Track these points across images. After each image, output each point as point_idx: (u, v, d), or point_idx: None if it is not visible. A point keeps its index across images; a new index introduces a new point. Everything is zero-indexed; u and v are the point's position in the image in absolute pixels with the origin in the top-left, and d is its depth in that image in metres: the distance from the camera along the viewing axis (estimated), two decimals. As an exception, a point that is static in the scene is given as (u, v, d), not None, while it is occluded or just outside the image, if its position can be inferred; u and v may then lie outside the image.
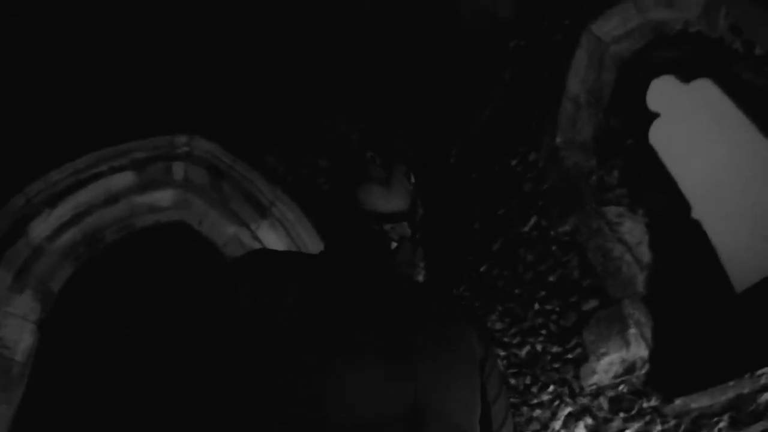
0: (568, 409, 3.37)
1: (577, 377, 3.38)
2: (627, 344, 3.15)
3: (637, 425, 2.98)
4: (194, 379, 0.84)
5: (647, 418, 2.94)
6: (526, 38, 3.98)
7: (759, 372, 2.49)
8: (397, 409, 0.83)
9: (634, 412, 3.03)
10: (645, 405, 2.98)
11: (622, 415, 3.08)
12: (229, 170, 4.22)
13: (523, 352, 3.80)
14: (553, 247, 3.78)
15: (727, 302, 2.98)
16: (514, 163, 4.19)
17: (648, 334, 3.13)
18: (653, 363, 3.03)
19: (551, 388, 3.51)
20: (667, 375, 2.94)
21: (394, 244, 1.03)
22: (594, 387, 3.26)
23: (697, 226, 3.24)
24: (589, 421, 3.24)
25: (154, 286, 3.87)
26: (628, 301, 3.24)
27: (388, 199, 1.04)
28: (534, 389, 3.61)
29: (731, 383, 2.59)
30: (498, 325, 3.91)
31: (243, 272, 0.94)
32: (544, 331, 3.71)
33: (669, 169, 3.42)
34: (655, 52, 3.30)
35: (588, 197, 3.59)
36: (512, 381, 3.73)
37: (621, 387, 3.13)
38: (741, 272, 2.94)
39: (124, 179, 3.92)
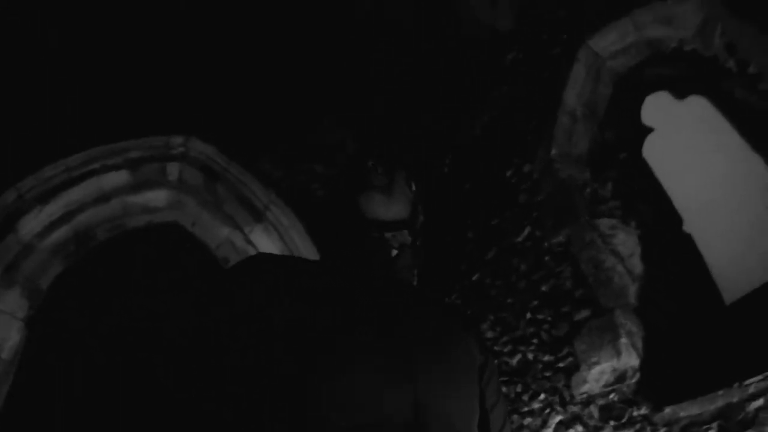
0: (559, 417, 3.43)
1: (568, 386, 3.45)
2: (618, 354, 3.23)
3: (627, 433, 3.05)
4: (190, 381, 0.84)
5: (637, 426, 3.01)
6: (523, 51, 4.08)
7: (747, 382, 2.57)
8: (397, 411, 0.84)
9: (624, 420, 3.10)
10: (635, 413, 3.05)
11: (612, 423, 3.15)
12: (224, 172, 4.24)
13: (515, 360, 3.85)
14: (547, 258, 3.86)
15: (716, 314, 3.07)
16: (508, 174, 4.27)
17: (639, 343, 3.21)
18: (644, 372, 3.11)
19: (542, 396, 3.57)
20: (658, 384, 3.02)
21: (394, 252, 1.04)
22: (585, 395, 3.32)
23: (688, 239, 3.33)
24: (580, 429, 3.30)
25: (145, 286, 3.86)
26: (619, 311, 3.33)
27: (388, 207, 1.05)
28: (525, 397, 3.67)
29: (720, 392, 2.67)
30: (490, 334, 3.97)
31: (239, 274, 0.96)
32: (535, 340, 3.77)
33: (661, 183, 3.52)
34: (651, 69, 3.41)
35: (582, 209, 3.68)
36: (503, 389, 3.78)
37: (612, 395, 3.20)
38: (730, 284, 3.05)
39: (118, 178, 3.91)
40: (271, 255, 1.02)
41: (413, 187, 1.12)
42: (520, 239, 4.11)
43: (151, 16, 3.79)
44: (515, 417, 3.61)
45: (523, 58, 4.09)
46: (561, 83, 3.80)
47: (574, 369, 3.45)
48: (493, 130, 4.41)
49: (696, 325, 3.08)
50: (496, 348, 3.94)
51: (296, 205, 4.40)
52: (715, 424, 2.65)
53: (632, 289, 3.38)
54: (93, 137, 3.75)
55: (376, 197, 1.05)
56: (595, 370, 3.32)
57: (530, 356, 3.76)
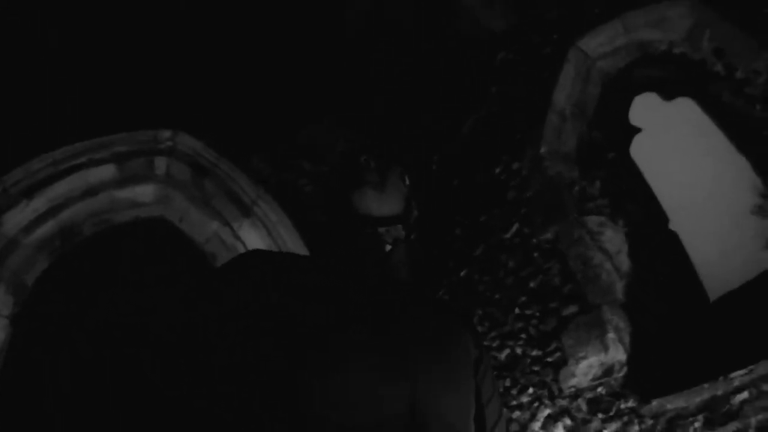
0: (548, 411, 3.52)
1: (556, 380, 3.53)
2: (606, 348, 3.33)
3: (615, 426, 3.15)
4: (178, 376, 0.84)
5: (625, 418, 3.12)
6: (514, 51, 4.14)
7: (732, 375, 2.68)
8: (394, 409, 0.84)
9: (612, 413, 3.20)
10: (623, 406, 3.15)
11: (600, 416, 3.25)
12: (212, 168, 4.21)
13: (503, 355, 3.93)
14: (535, 254, 3.94)
15: (701, 310, 3.19)
16: (497, 171, 4.33)
17: (626, 338, 3.31)
18: (631, 366, 3.21)
19: (531, 390, 3.66)
20: (645, 377, 3.12)
21: (388, 247, 1.04)
22: (573, 389, 3.41)
23: (674, 237, 3.44)
24: (568, 422, 3.40)
25: (132, 282, 3.82)
26: (607, 307, 3.42)
27: (381, 203, 1.05)
28: (514, 391, 3.75)
29: (706, 385, 2.78)
30: (478, 329, 4.04)
31: (228, 271, 0.95)
32: (523, 336, 3.85)
33: (648, 183, 3.62)
34: (640, 70, 3.50)
35: (570, 206, 3.76)
36: (494, 383, 3.85)
37: (599, 389, 3.30)
38: (715, 281, 3.17)
39: (105, 172, 3.86)
40: (262, 251, 1.01)
41: (407, 182, 1.12)
42: (508, 236, 4.18)
43: (142, 8, 3.73)
44: (504, 411, 3.68)
45: (514, 58, 4.15)
46: (551, 83, 3.87)
47: (562, 363, 3.54)
48: (482, 128, 4.47)
49: (681, 321, 3.19)
50: (484, 343, 4.01)
51: (284, 201, 4.40)
52: (700, 416, 2.76)
53: (619, 286, 3.48)
54: (80, 130, 3.69)
55: (368, 193, 1.05)
56: (583, 365, 3.41)
57: (518, 351, 3.84)
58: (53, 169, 3.59)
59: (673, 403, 2.91)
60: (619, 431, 3.12)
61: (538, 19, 3.86)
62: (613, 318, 3.37)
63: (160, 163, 4.07)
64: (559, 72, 3.80)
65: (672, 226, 3.52)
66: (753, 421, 2.54)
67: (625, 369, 3.22)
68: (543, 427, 3.50)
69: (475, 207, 4.44)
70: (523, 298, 3.93)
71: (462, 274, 4.44)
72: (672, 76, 3.34)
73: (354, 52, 4.06)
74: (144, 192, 4.06)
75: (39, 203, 3.56)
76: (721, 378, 2.73)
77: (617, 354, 3.27)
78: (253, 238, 4.31)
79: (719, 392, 2.72)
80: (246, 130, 4.29)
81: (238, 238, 4.28)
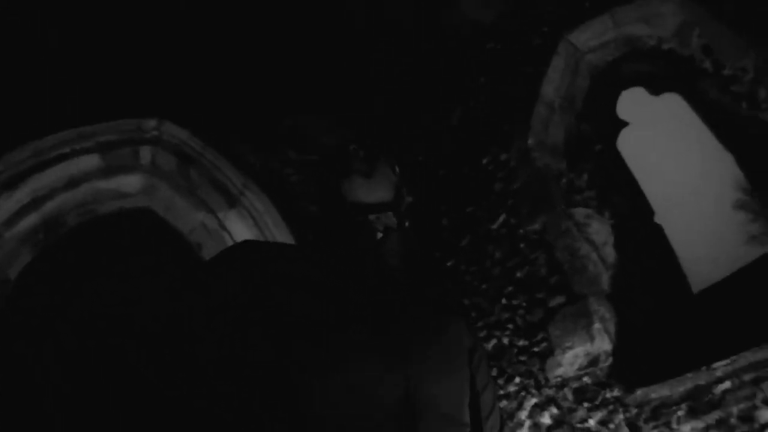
0: (534, 400, 3.60)
1: (542, 369, 3.61)
2: (592, 338, 3.40)
3: (600, 414, 3.24)
4: (163, 366, 0.84)
5: (610, 407, 3.21)
6: (503, 42, 4.14)
7: (715, 365, 2.78)
8: (390, 404, 0.86)
9: (597, 401, 3.28)
10: (608, 395, 3.24)
11: (586, 404, 3.33)
12: (198, 157, 4.15)
13: (490, 345, 3.99)
14: (522, 245, 3.99)
15: (684, 301, 3.27)
16: (485, 162, 4.35)
17: (612, 329, 3.39)
18: (616, 356, 3.29)
19: (517, 380, 3.73)
20: (630, 367, 3.21)
21: (379, 235, 1.04)
22: (559, 379, 3.49)
23: (659, 230, 3.51)
24: (554, 410, 3.48)
25: (117, 274, 3.77)
26: (593, 298, 3.50)
27: (371, 191, 1.05)
28: (500, 381, 3.82)
29: (689, 375, 2.87)
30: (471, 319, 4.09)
31: (216, 262, 0.95)
32: (510, 326, 3.91)
33: (635, 176, 3.68)
34: (628, 64, 3.54)
35: (558, 198, 3.81)
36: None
37: (585, 378, 3.38)
38: (698, 274, 3.26)
39: (89, 162, 3.77)
40: (252, 242, 1.02)
41: (396, 170, 1.12)
42: (495, 226, 4.22)
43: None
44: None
45: (503, 49, 4.15)
46: (540, 75, 3.89)
47: (548, 353, 3.61)
48: (470, 119, 4.47)
49: (665, 312, 3.28)
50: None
51: (271, 191, 4.37)
52: (684, 405, 2.85)
53: (605, 277, 3.56)
54: (63, 120, 3.59)
55: (357, 181, 1.05)
56: (569, 354, 3.49)
57: (505, 341, 3.91)
58: (36, 159, 3.50)
59: (657, 392, 3.00)
60: (605, 420, 3.21)
61: (528, 11, 3.85)
62: (599, 309, 3.44)
63: (145, 153, 3.99)
64: (549, 64, 3.81)
65: (657, 219, 3.58)
66: (735, 410, 2.64)
67: (610, 359, 3.30)
68: (529, 416, 3.59)
69: (462, 198, 4.46)
70: (510, 289, 3.99)
71: (449, 264, 4.48)
72: (660, 72, 3.38)
73: (354, 52, 4.02)
74: (128, 182, 3.98)
75: (21, 195, 3.47)
76: (704, 368, 2.82)
77: (603, 344, 3.35)
78: (239, 228, 4.27)
79: (702, 382, 2.82)
80: (232, 118, 4.24)
81: (224, 227, 4.24)
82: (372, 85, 4.24)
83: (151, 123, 3.98)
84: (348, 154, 1.09)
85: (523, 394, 3.68)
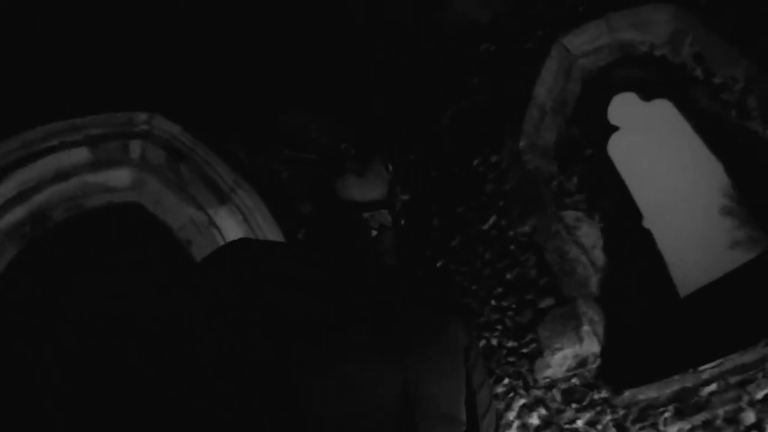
0: (523, 401, 3.63)
1: (531, 371, 3.64)
2: (580, 340, 3.45)
3: (588, 415, 3.28)
4: (173, 373, 0.84)
5: (598, 408, 3.25)
6: (497, 43, 4.17)
7: (702, 368, 2.83)
8: (390, 404, 0.87)
9: (585, 403, 3.32)
10: (596, 396, 3.28)
11: (574, 405, 3.37)
12: (189, 153, 4.11)
13: (479, 346, 4.02)
14: (512, 247, 4.02)
15: (672, 305, 3.33)
16: (476, 163, 4.37)
17: (600, 331, 3.44)
18: (604, 358, 3.34)
19: (506, 380, 3.76)
20: (618, 369, 3.26)
21: (374, 233, 1.04)
22: (548, 380, 3.53)
23: (647, 234, 3.57)
24: (543, 411, 3.52)
25: (105, 269, 3.73)
26: (582, 300, 3.54)
27: (364, 189, 1.06)
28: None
29: (676, 377, 2.92)
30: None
31: (213, 262, 0.95)
32: (499, 327, 3.94)
33: (624, 180, 3.73)
34: (620, 70, 3.59)
35: (548, 200, 3.85)
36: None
37: (573, 380, 3.42)
38: (685, 278, 3.32)
39: (77, 156, 3.72)
40: (248, 241, 1.02)
41: (390, 168, 1.13)
42: (485, 227, 4.24)
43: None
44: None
45: (497, 50, 4.18)
46: (532, 77, 3.92)
47: (537, 354, 3.65)
48: (462, 120, 4.50)
49: (653, 315, 3.33)
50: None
51: (262, 188, 4.35)
52: (671, 407, 2.90)
53: (594, 280, 3.60)
54: (52, 111, 3.54)
55: (350, 180, 1.06)
56: (558, 356, 3.53)
57: (494, 342, 3.94)
58: (24, 151, 3.45)
59: (645, 393, 3.05)
60: (593, 421, 3.25)
61: (522, 13, 3.89)
62: (588, 311, 3.49)
63: (135, 147, 3.95)
64: (542, 67, 3.85)
65: (646, 223, 3.64)
66: (721, 412, 2.69)
67: (598, 361, 3.35)
68: (518, 416, 3.62)
69: (453, 198, 4.48)
70: (500, 290, 4.02)
71: (439, 264, 4.50)
72: (652, 78, 3.43)
73: (354, 52, 4.02)
74: (117, 176, 3.94)
75: (8, 187, 3.42)
76: (690, 371, 2.87)
77: (592, 346, 3.39)
78: (230, 225, 4.25)
79: (689, 384, 2.87)
80: (225, 115, 4.21)
81: (213, 224, 4.21)
82: (372, 85, 4.24)
83: (142, 117, 3.95)
84: (340, 153, 1.09)
85: (511, 395, 3.71)
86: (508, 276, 4.01)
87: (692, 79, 3.14)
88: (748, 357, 2.68)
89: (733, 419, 2.64)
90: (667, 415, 2.91)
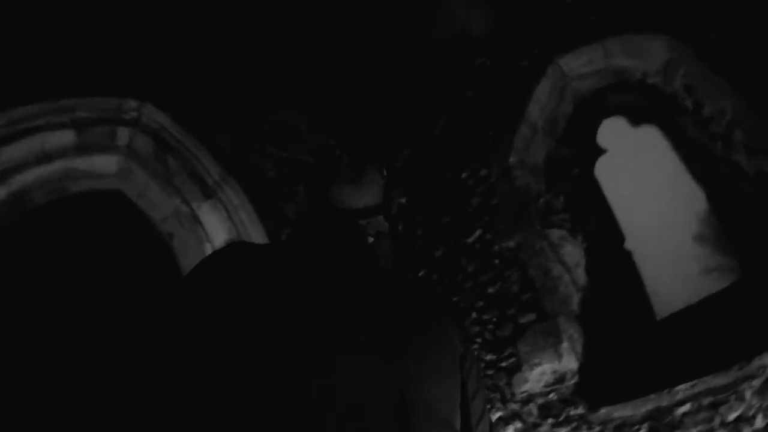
0: (499, 414, 3.72)
1: (509, 384, 3.74)
2: (560, 357, 3.56)
3: (564, 430, 3.39)
4: (173, 373, 0.85)
5: (574, 424, 3.36)
6: (492, 58, 4.30)
7: (676, 388, 2.97)
8: (390, 404, 0.89)
9: (562, 418, 3.43)
10: (572, 412, 3.40)
11: (550, 420, 3.48)
12: (177, 145, 4.11)
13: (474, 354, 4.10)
14: (496, 261, 4.12)
15: (649, 326, 3.47)
16: (464, 175, 4.48)
17: (579, 348, 3.56)
18: (582, 375, 3.46)
19: (483, 393, 3.85)
20: (595, 386, 3.38)
21: (371, 239, 1.05)
22: (525, 394, 3.63)
23: (628, 255, 3.72)
24: (519, 425, 3.61)
25: (82, 258, 3.69)
26: (563, 317, 3.66)
27: (358, 196, 1.07)
28: (466, 393, 3.92)
29: (652, 396, 3.05)
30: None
31: (212, 263, 0.97)
32: (479, 340, 4.03)
33: (609, 202, 3.89)
34: (613, 94, 3.75)
35: (535, 218, 3.98)
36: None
37: (551, 395, 3.53)
38: (662, 301, 3.48)
39: (63, 138, 3.68)
40: (247, 244, 1.04)
41: (384, 174, 1.14)
42: (470, 240, 4.34)
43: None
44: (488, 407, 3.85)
45: (492, 65, 4.31)
46: (526, 95, 4.06)
47: (515, 369, 3.75)
48: (453, 132, 4.61)
49: (631, 335, 3.47)
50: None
51: (248, 187, 4.37)
52: (645, 425, 3.03)
53: (576, 298, 3.73)
54: (39, 90, 3.51)
55: (344, 188, 1.07)
56: (537, 371, 3.64)
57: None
58: (8, 129, 3.40)
59: (621, 411, 3.17)
60: (568, 436, 3.36)
61: (520, 31, 4.03)
62: (569, 328, 3.61)
63: (123, 134, 3.93)
64: (536, 86, 3.99)
65: (627, 245, 3.79)
66: (694, 431, 2.82)
67: (576, 377, 3.46)
68: (494, 429, 3.70)
69: (439, 209, 4.57)
70: (481, 303, 4.11)
71: (421, 273, 4.57)
72: (642, 105, 3.61)
73: (354, 52, 4.09)
74: (102, 162, 3.91)
75: (-12, 166, 3.37)
76: (666, 390, 3.01)
77: (570, 363, 3.51)
78: (213, 220, 4.25)
79: (664, 404, 3.00)
80: (216, 109, 4.23)
81: (197, 219, 4.20)
82: (372, 85, 4.32)
83: (132, 104, 3.93)
84: (333, 161, 1.11)
85: (488, 407, 3.80)
86: (491, 290, 4.11)
87: (682, 109, 3.32)
88: (721, 380, 2.83)
89: (705, 439, 2.78)
90: (641, 432, 3.04)
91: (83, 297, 3.42)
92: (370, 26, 3.96)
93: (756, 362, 2.73)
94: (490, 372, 3.88)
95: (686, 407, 2.91)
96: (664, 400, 3.00)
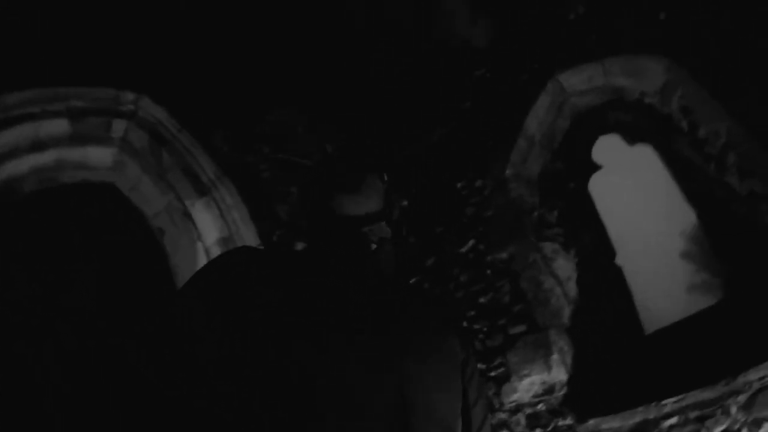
0: (487, 423, 3.81)
1: (498, 394, 3.84)
2: (549, 368, 3.68)
3: (551, 441, 3.50)
4: (173, 373, 0.87)
5: (561, 435, 3.47)
6: (493, 70, 4.43)
7: (664, 402, 3.10)
8: (391, 404, 0.90)
9: (550, 428, 3.54)
10: (560, 423, 3.51)
11: (538, 430, 3.58)
12: (173, 140, 4.13)
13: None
14: (488, 272, 4.24)
15: (637, 341, 3.61)
16: (459, 185, 4.60)
17: (569, 360, 3.68)
18: (571, 387, 3.57)
19: (471, 402, 3.93)
20: (583, 398, 3.49)
21: (373, 246, 1.06)
22: (514, 404, 3.73)
23: (619, 271, 3.86)
24: (506, 434, 3.71)
25: (82, 257, 3.69)
26: (554, 330, 3.78)
27: (359, 204, 1.08)
28: (454, 402, 4.01)
29: (639, 409, 3.18)
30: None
31: (214, 266, 0.99)
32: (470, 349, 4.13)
33: (601, 218, 4.03)
34: (610, 112, 3.91)
35: (529, 230, 4.10)
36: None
37: (539, 405, 3.64)
38: (651, 317, 3.63)
39: (57, 127, 3.67)
40: (248, 248, 1.06)
41: (384, 179, 1.14)
42: (463, 250, 4.45)
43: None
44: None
45: (491, 77, 4.44)
46: (525, 109, 4.20)
47: (505, 379, 3.85)
48: (450, 141, 4.72)
49: (620, 349, 3.60)
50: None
51: (243, 187, 4.41)
52: (633, 437, 3.15)
53: (567, 311, 3.86)
54: (35, 76, 3.51)
55: (345, 196, 1.08)
56: (526, 382, 3.74)
57: (462, 363, 4.11)
58: (2, 114, 3.40)
59: (608, 423, 3.29)
60: (556, 446, 3.47)
61: (521, 45, 4.17)
62: (559, 341, 3.73)
63: (118, 127, 3.94)
64: (535, 100, 4.13)
65: (618, 260, 3.94)
66: (680, 444, 2.95)
67: (565, 389, 3.58)
68: (488, 437, 3.79)
69: (433, 217, 4.68)
70: (472, 313, 4.21)
71: (412, 281, 4.66)
72: (639, 124, 3.77)
73: (354, 52, 4.17)
74: (96, 155, 3.91)
75: (-21, 152, 3.36)
76: (653, 403, 3.14)
77: (559, 374, 3.63)
78: (205, 219, 4.27)
79: (651, 416, 3.13)
80: (214, 107, 4.27)
81: (189, 216, 4.22)
82: (372, 84, 4.40)
83: (129, 96, 3.94)
84: (333, 169, 1.13)
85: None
86: (482, 300, 4.21)
87: (677, 129, 3.48)
88: (708, 394, 2.96)
89: (691, 451, 2.91)
90: (628, 444, 3.16)
91: (83, 297, 3.42)
92: (370, 26, 4.04)
93: (742, 378, 2.87)
94: (478, 381, 3.97)
95: (673, 420, 3.03)
96: (651, 412, 3.13)
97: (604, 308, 3.83)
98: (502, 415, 3.74)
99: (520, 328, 3.91)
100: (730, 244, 3.35)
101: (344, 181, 1.09)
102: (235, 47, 4.19)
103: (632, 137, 3.87)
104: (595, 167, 4.13)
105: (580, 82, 3.93)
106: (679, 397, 3.06)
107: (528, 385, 3.72)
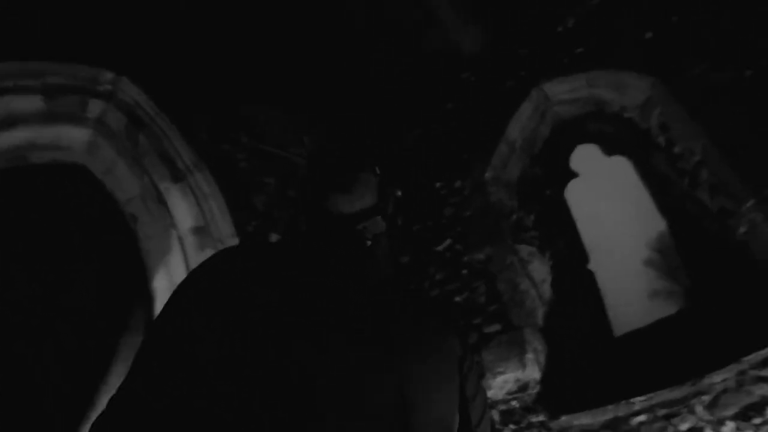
0: (460, 419, 4.02)
1: (471, 391, 4.05)
2: (523, 366, 3.93)
3: (525, 437, 3.76)
4: (173, 374, 0.88)
5: (534, 431, 3.73)
6: (478, 75, 4.64)
7: (633, 399, 3.40)
8: (391, 404, 0.93)
9: (523, 425, 3.79)
10: (533, 419, 3.77)
11: (512, 426, 3.83)
12: (150, 123, 4.11)
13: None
14: (464, 271, 4.46)
15: (607, 342, 3.92)
16: (438, 185, 4.79)
17: (542, 359, 3.95)
18: (544, 385, 3.84)
19: (445, 398, 4.14)
20: (556, 395, 3.77)
21: (368, 243, 1.09)
22: (488, 401, 3.96)
23: (591, 275, 4.17)
24: (480, 430, 3.93)
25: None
26: (528, 329, 4.04)
27: (352, 201, 1.10)
28: (428, 398, 4.20)
29: (610, 407, 3.47)
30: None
31: (210, 265, 1.00)
32: (443, 346, 4.33)
33: (576, 223, 4.33)
34: (590, 123, 4.20)
35: (506, 233, 4.35)
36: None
37: (513, 402, 3.89)
38: (620, 320, 3.95)
39: (30, 103, 3.58)
40: (246, 245, 1.14)
41: (377, 173, 1.16)
42: (439, 249, 4.65)
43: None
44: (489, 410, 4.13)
45: (477, 82, 4.65)
46: (508, 114, 4.43)
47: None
48: (430, 142, 4.90)
49: (591, 350, 3.90)
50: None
51: (220, 175, 4.43)
52: (603, 433, 3.45)
53: (541, 312, 4.13)
54: (9, 48, 3.42)
55: (337, 194, 1.10)
56: (500, 379, 3.98)
57: (435, 360, 4.31)
58: (-26, 88, 3.30)
59: (580, 420, 3.57)
60: (529, 442, 3.73)
61: (509, 53, 4.40)
62: (533, 340, 3.99)
63: (95, 107, 3.88)
64: (518, 106, 4.37)
65: (591, 265, 4.24)
66: (649, 440, 3.26)
67: (538, 387, 3.84)
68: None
69: (410, 215, 4.85)
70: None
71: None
72: (618, 135, 4.07)
73: (354, 52, 4.26)
74: (70, 135, 3.84)
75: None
76: (623, 401, 3.44)
77: (533, 373, 3.89)
78: (180, 206, 4.26)
79: (621, 414, 3.43)
80: (195, 92, 4.27)
81: (164, 203, 4.21)
82: (371, 84, 4.49)
83: (108, 76, 3.89)
84: (324, 166, 1.14)
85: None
86: (457, 299, 4.43)
87: (654, 144, 3.80)
88: (675, 393, 3.28)
89: (660, 447, 3.22)
90: (599, 440, 3.45)
91: (83, 297, 3.39)
92: (372, 26, 4.15)
93: (707, 380, 3.20)
94: (453, 379, 4.18)
95: (642, 417, 3.34)
96: (621, 410, 3.43)
97: (576, 310, 4.11)
98: (477, 412, 3.96)
99: (495, 327, 4.15)
100: (698, 256, 3.70)
101: (337, 177, 1.11)
102: (224, 34, 4.20)
103: (610, 148, 4.17)
104: (573, 175, 4.41)
105: (563, 91, 4.19)
106: (648, 396, 3.36)
107: (502, 383, 3.96)
